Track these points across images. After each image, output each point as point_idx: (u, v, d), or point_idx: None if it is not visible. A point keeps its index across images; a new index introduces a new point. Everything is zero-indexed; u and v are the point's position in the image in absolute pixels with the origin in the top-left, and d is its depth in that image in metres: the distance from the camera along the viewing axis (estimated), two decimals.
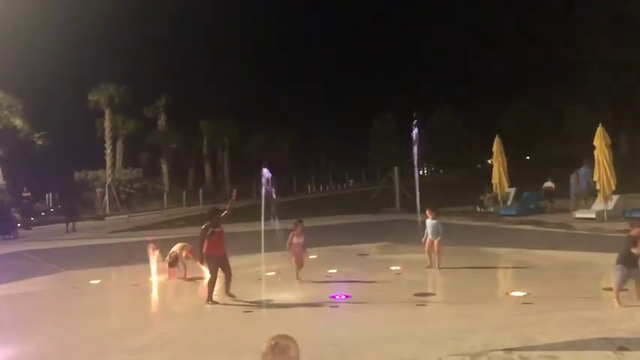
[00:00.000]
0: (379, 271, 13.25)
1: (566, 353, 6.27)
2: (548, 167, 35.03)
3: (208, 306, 10.32)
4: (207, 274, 11.01)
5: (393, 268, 13.65)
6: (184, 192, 40.49)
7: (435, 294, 10.33)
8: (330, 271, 13.44)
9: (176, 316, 10.29)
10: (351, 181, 62.66)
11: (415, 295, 10.34)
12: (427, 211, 13.94)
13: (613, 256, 14.46)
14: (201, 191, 40.46)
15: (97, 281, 14.04)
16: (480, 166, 59.54)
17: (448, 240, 18.31)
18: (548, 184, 26.46)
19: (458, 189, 37.69)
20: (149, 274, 13.86)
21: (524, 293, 10.04)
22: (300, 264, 12.20)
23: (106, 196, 40.85)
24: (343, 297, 10.41)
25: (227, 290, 10.78)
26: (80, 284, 13.73)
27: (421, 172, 79.63)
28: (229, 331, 8.67)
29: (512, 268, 13.45)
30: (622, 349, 6.31)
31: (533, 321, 7.98)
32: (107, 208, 40.88)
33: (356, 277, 11.38)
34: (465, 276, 12.42)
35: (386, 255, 16.33)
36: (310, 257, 15.65)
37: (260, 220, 10.84)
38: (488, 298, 9.98)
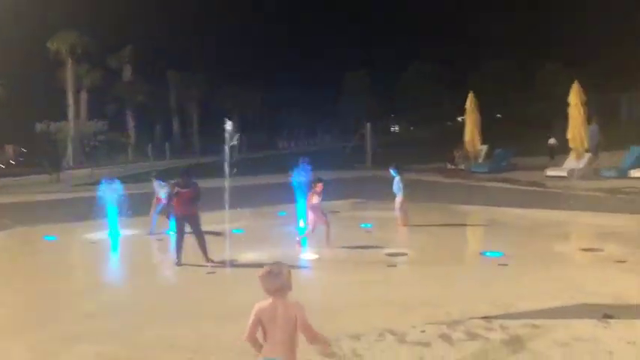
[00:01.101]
0: (350, 229, 12.79)
1: (550, 322, 5.87)
2: (522, 125, 35.12)
3: (175, 267, 9.74)
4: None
5: (364, 226, 13.22)
6: (150, 145, 39.23)
7: (406, 254, 9.89)
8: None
9: (135, 277, 9.66)
10: (328, 137, 61.98)
11: (386, 254, 9.90)
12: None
13: (586, 215, 14.45)
14: (167, 145, 39.33)
15: (52, 238, 13.30)
16: (450, 123, 59.37)
17: (418, 197, 18.00)
18: (552, 140, 26.35)
19: (430, 146, 37.42)
20: (109, 229, 13.22)
21: (499, 254, 9.69)
22: (325, 225, 10.89)
23: (69, 149, 39.52)
24: (313, 257, 9.92)
25: (205, 255, 10.16)
26: (33, 241, 13.00)
27: (392, 129, 79.56)
28: (189, 294, 8.11)
29: (485, 226, 13.15)
30: (607, 316, 5.95)
31: (511, 284, 7.60)
32: (71, 161, 39.64)
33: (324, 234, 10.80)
34: (437, 234, 12.05)
35: (357, 212, 15.89)
36: (279, 215, 15.17)
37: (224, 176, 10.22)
38: (462, 259, 9.64)
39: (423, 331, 5.74)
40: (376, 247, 10.60)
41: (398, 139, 52.52)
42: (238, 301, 7.17)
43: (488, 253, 9.77)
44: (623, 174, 20.48)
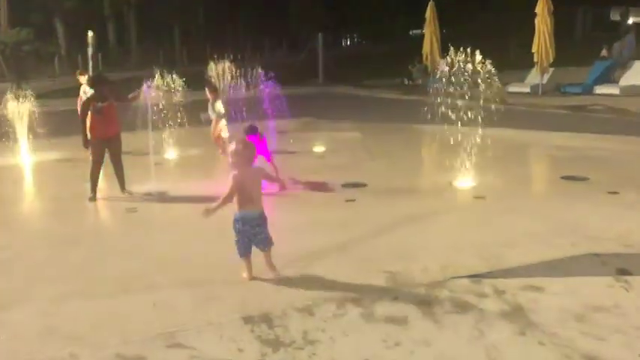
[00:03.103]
0: (301, 154, 11.24)
1: (552, 282, 4.57)
2: (481, 36, 33.48)
3: (88, 203, 8.02)
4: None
5: (316, 149, 11.68)
6: (79, 56, 35.57)
7: (365, 184, 8.45)
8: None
9: (34, 218, 7.89)
10: (278, 51, 58.58)
11: (343, 185, 8.45)
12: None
13: (557, 136, 13.32)
14: (100, 55, 35.84)
15: None
16: (411, 33, 56.82)
17: (376, 116, 16.56)
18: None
19: (383, 61, 35.54)
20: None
21: (472, 184, 8.39)
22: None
23: None
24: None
25: (122, 186, 8.44)
26: None
27: (343, 42, 76.44)
28: (94, 241, 6.46)
29: (449, 149, 11.72)
30: (623, 272, 4.71)
31: (495, 227, 6.27)
32: None
33: (274, 161, 9.14)
34: (399, 161, 10.66)
35: (308, 132, 14.29)
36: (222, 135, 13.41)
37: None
38: (431, 191, 8.24)
39: (396, 299, 4.35)
40: (330, 175, 9.14)
41: (349, 54, 50.03)
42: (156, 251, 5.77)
43: (458, 183, 8.46)
44: (587, 90, 19.46)
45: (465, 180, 8.51)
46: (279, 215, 6.75)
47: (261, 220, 4.78)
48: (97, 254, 5.84)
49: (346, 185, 8.47)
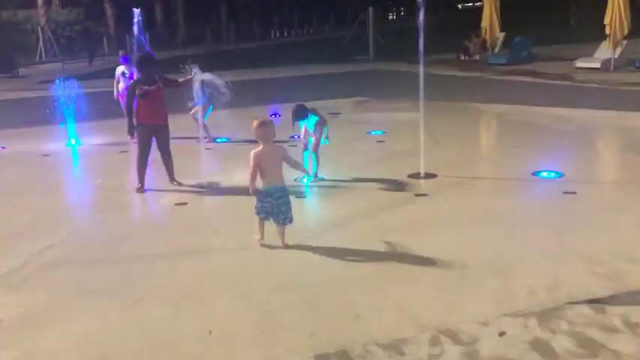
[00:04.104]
0: (357, 139, 10.41)
1: None
2: (540, 8, 31.68)
3: (136, 193, 7.47)
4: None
5: (374, 133, 10.82)
6: (127, 36, 35.42)
7: (435, 175, 7.58)
8: (295, 136, 10.53)
9: (75, 212, 7.28)
10: (329, 24, 57.18)
11: (410, 176, 7.61)
12: None
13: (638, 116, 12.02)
14: (148, 35, 35.53)
15: None
16: (460, 7, 54.65)
17: (435, 94, 15.40)
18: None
19: (433, 36, 33.98)
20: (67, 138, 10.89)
21: (558, 174, 7.40)
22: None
23: (40, 41, 35.90)
24: (315, 178, 7.61)
25: (170, 177, 7.85)
26: None
27: (390, 16, 74.17)
28: (139, 241, 5.84)
29: (521, 132, 10.66)
30: None
31: (600, 231, 5.30)
32: (44, 54, 36.20)
33: (329, 148, 8.09)
34: (466, 146, 9.68)
35: (362, 114, 13.43)
36: (271, 117, 12.71)
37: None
38: (511, 183, 7.25)
39: (503, 334, 3.53)
40: (394, 163, 8.30)
41: (397, 28, 48.36)
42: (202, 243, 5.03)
43: (543, 174, 7.48)
44: None
45: (548, 169, 7.52)
46: (339, 217, 6.01)
47: (283, 194, 5.07)
48: (142, 259, 5.21)
49: (413, 176, 7.62)
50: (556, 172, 7.42)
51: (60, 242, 5.73)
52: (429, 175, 7.58)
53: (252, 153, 5.04)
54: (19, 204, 7.28)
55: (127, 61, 11.46)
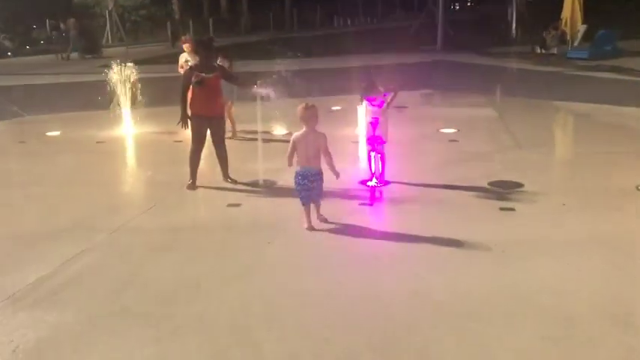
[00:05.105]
0: (426, 138, 9.50)
1: None
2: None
3: (187, 190, 6.88)
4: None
5: (445, 131, 9.88)
6: (190, 21, 35.34)
7: (521, 184, 6.62)
8: (358, 132, 9.72)
9: (125, 209, 6.69)
10: (394, 13, 55.73)
11: (491, 184, 6.68)
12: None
13: None
14: (211, 20, 35.35)
15: (55, 133, 10.72)
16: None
17: (511, 90, 14.27)
18: None
19: (502, 26, 32.24)
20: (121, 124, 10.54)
21: None
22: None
23: (107, 25, 36.37)
24: (378, 187, 6.80)
25: (224, 174, 7.23)
26: (32, 136, 10.58)
27: (452, 6, 71.53)
28: (189, 246, 5.21)
29: (615, 136, 9.42)
30: None
31: None
32: (109, 38, 36.66)
33: (396, 146, 7.30)
34: (552, 149, 8.63)
35: (430, 108, 12.47)
36: (333, 109, 11.94)
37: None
38: (615, 199, 6.21)
39: None
40: (473, 169, 7.37)
41: (465, 18, 46.37)
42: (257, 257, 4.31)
43: None
44: None
45: None
46: (409, 234, 5.17)
47: (318, 177, 5.33)
48: (186, 277, 4.53)
49: (495, 184, 6.69)
50: None
51: (96, 247, 5.16)
52: (513, 184, 6.63)
53: (292, 136, 5.33)
54: (62, 198, 6.81)
55: None
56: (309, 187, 5.30)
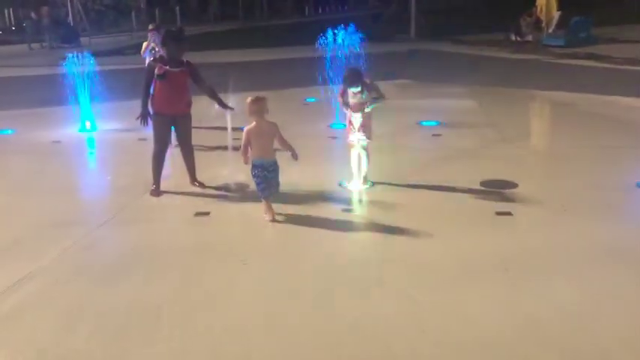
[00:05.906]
0: (408, 131, 8.97)
1: None
2: None
3: (150, 197, 6.20)
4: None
5: (426, 124, 9.36)
6: (157, 10, 34.13)
7: (515, 184, 6.12)
8: (333, 126, 9.11)
9: (80, 220, 6.00)
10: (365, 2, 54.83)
11: (482, 184, 6.17)
12: None
13: None
14: (178, 8, 34.22)
15: (8, 132, 9.89)
16: None
17: (487, 79, 13.85)
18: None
19: (480, 14, 31.95)
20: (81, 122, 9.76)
21: None
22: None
23: (70, 15, 34.88)
24: (363, 183, 6.25)
25: (191, 177, 6.57)
26: None
27: None
28: (149, 267, 4.57)
29: (604, 128, 9.00)
30: None
31: None
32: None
33: (376, 141, 6.45)
34: (542, 143, 8.18)
35: (409, 100, 11.88)
36: (305, 101, 11.33)
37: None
38: (624, 206, 5.72)
39: None
40: (462, 169, 6.85)
41: (437, 7, 45.96)
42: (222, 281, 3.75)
43: None
44: None
45: None
46: (403, 246, 4.62)
47: (275, 167, 5.31)
48: (143, 308, 3.89)
49: (487, 184, 6.18)
50: None
51: (41, 272, 4.44)
52: (506, 184, 6.13)
53: (244, 129, 5.24)
54: (4, 209, 6.06)
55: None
56: (268, 178, 5.26)
